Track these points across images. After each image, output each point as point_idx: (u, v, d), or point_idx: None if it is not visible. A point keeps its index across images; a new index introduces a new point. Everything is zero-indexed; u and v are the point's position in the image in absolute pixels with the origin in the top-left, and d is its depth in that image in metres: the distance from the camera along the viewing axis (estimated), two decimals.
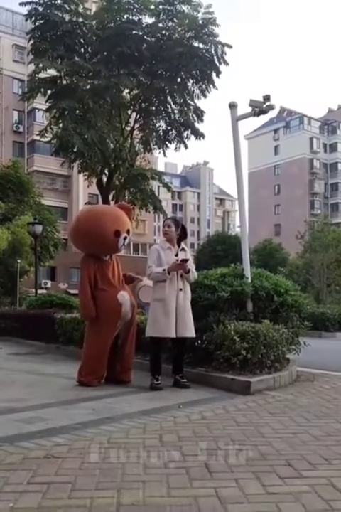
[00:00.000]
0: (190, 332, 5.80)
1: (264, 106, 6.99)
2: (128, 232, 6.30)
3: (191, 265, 5.92)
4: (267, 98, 6.94)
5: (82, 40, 17.31)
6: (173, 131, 18.45)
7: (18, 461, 3.09)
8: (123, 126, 18.35)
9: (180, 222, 6.39)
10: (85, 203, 23.03)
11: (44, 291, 27.29)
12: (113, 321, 5.98)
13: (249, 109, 7.15)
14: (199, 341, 6.22)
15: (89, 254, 6.26)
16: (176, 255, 5.89)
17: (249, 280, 6.72)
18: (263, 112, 7.05)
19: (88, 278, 6.02)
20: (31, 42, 17.39)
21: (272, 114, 61.64)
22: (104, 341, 5.97)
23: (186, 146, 18.51)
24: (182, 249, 6.04)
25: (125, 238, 6.19)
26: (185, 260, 5.74)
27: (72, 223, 6.72)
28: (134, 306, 6.27)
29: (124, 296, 6.08)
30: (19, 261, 25.20)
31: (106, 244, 6.16)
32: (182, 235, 6.12)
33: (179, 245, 6.05)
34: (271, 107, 7.04)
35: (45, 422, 4.10)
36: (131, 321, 6.19)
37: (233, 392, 5.35)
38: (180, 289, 5.77)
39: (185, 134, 18.33)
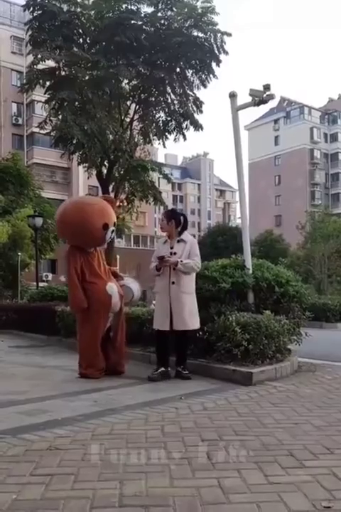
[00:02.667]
0: (184, 325, 5.76)
1: (264, 95, 6.95)
2: (114, 224, 6.39)
3: (185, 257, 5.80)
4: (267, 87, 6.91)
5: (80, 31, 17.21)
6: (173, 122, 18.37)
7: (21, 453, 3.10)
8: (123, 117, 18.28)
9: (176, 213, 6.32)
10: (85, 195, 22.97)
11: (45, 283, 27.30)
12: (104, 312, 6.05)
13: (249, 99, 7.11)
14: (200, 332, 6.22)
15: (74, 246, 6.28)
16: (172, 248, 5.87)
17: (250, 271, 6.72)
18: (263, 101, 7.01)
19: (75, 270, 6.05)
20: (29, 33, 17.29)
21: (272, 104, 61.48)
22: (96, 333, 6.03)
23: (185, 138, 18.46)
24: (179, 241, 5.94)
25: (112, 231, 6.29)
26: (161, 257, 5.74)
27: (58, 214, 6.57)
28: (122, 297, 6.31)
29: (113, 287, 6.16)
30: (20, 254, 25.20)
31: (95, 237, 6.20)
32: (184, 225, 6.05)
33: (181, 236, 6.00)
34: (271, 97, 7.00)
35: (48, 414, 4.11)
36: (119, 311, 6.28)
37: (235, 383, 5.36)
38: (173, 282, 5.75)
39: (184, 125, 18.27)
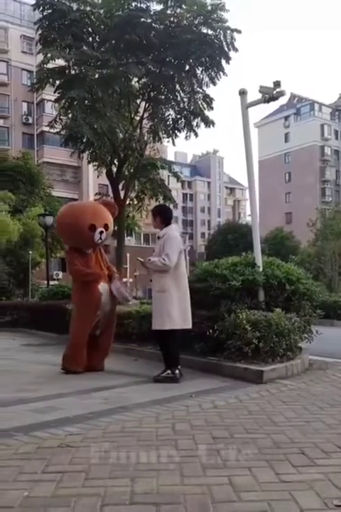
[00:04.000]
0: (152, 325, 5.77)
1: (274, 92, 6.91)
2: (106, 226, 6.51)
3: (159, 253, 5.68)
4: (277, 84, 6.87)
5: (90, 29, 17.23)
6: (182, 119, 18.34)
7: (33, 451, 3.12)
8: (133, 115, 18.29)
9: (160, 208, 6.38)
10: (95, 194, 23.02)
11: (55, 282, 27.43)
12: (93, 310, 6.28)
13: (259, 96, 7.08)
14: (210, 331, 6.21)
15: (72, 247, 6.62)
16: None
17: (261, 269, 6.69)
18: (273, 98, 6.97)
19: (77, 265, 6.35)
20: (39, 32, 17.36)
21: (282, 100, 61.00)
22: (84, 330, 6.27)
23: (196, 134, 18.41)
24: (159, 237, 5.85)
25: (101, 232, 6.40)
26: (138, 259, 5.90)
27: (56, 217, 7.10)
28: (114, 299, 6.46)
29: (104, 286, 6.34)
30: (30, 252, 25.35)
31: (83, 238, 6.44)
32: (165, 220, 5.91)
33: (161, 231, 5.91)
34: (282, 94, 6.96)
35: (59, 412, 4.14)
36: (110, 312, 6.46)
37: (245, 381, 5.34)
38: (150, 280, 5.82)
39: (194, 122, 18.23)
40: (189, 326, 5.71)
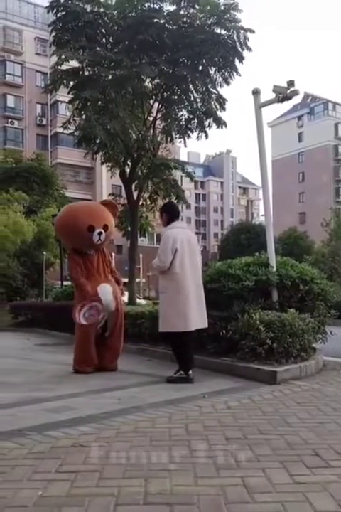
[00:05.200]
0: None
1: (288, 92, 6.89)
2: (105, 227, 6.51)
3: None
4: (291, 84, 6.84)
5: (103, 30, 17.26)
6: (195, 120, 18.31)
7: (47, 450, 3.14)
8: (146, 116, 18.29)
9: (166, 206, 6.36)
10: (109, 195, 23.10)
11: (69, 282, 27.57)
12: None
13: (273, 96, 7.05)
14: (224, 331, 6.20)
15: (74, 249, 6.67)
16: None
17: (274, 269, 6.67)
18: (287, 98, 6.95)
19: (76, 270, 6.41)
20: (53, 34, 17.42)
21: (296, 100, 60.68)
22: (86, 331, 6.29)
23: (207, 136, 18.37)
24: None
25: (100, 233, 6.41)
26: None
27: (55, 220, 7.23)
28: (118, 299, 6.48)
29: (105, 287, 6.37)
30: (44, 253, 25.52)
31: (81, 239, 6.49)
32: (169, 217, 5.82)
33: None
34: (295, 93, 6.93)
35: (73, 412, 4.16)
36: (115, 312, 6.46)
37: (258, 381, 5.32)
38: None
39: (207, 123, 18.18)
40: (190, 328, 5.51)
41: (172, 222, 5.75)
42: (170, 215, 5.84)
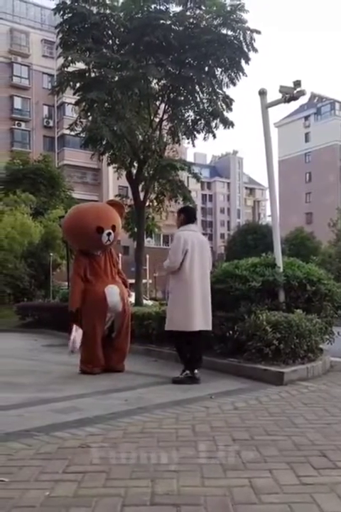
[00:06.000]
0: None
1: (295, 92, 6.88)
2: (113, 228, 6.52)
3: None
4: (297, 84, 6.82)
5: (109, 32, 17.30)
6: (202, 120, 18.30)
7: (54, 451, 3.15)
8: (152, 117, 18.30)
9: (182, 208, 6.34)
10: (115, 196, 23.14)
11: None
12: (100, 312, 6.31)
13: (279, 96, 7.04)
14: (230, 332, 6.19)
15: (80, 250, 6.67)
16: None
17: (281, 269, 6.66)
18: (293, 98, 6.94)
19: (77, 274, 6.41)
20: (60, 36, 17.48)
21: (302, 100, 60.48)
22: (93, 331, 6.31)
23: (214, 136, 18.35)
24: None
25: (109, 234, 6.43)
26: None
27: (63, 222, 7.22)
28: (125, 299, 6.49)
29: (112, 288, 6.38)
30: (51, 254, 25.58)
31: (90, 240, 6.48)
32: (184, 219, 5.86)
33: None
34: (302, 93, 6.92)
35: (80, 412, 4.17)
36: (122, 313, 6.45)
37: (265, 382, 5.31)
38: None
39: (213, 123, 18.17)
40: (193, 328, 5.54)
41: (187, 224, 5.81)
42: (188, 217, 5.90)
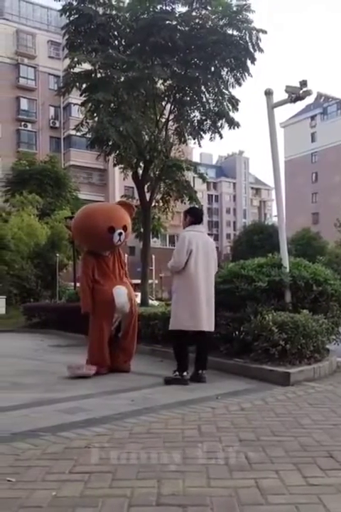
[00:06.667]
0: None
1: (301, 92, 6.86)
2: (124, 228, 6.51)
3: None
4: (304, 84, 6.80)
5: (115, 33, 17.33)
6: (208, 121, 18.29)
7: (60, 451, 3.15)
8: (158, 117, 18.31)
9: (188, 209, 6.23)
10: (121, 196, 23.17)
11: None
12: (108, 313, 6.32)
13: (285, 96, 7.03)
14: (236, 332, 6.18)
15: (89, 251, 6.65)
16: None
17: (287, 270, 6.64)
18: (299, 98, 6.92)
19: (86, 275, 6.40)
20: (66, 37, 17.54)
21: (308, 100, 60.37)
22: (101, 332, 6.32)
23: (221, 136, 18.34)
24: None
25: (120, 234, 6.42)
26: None
27: (72, 221, 7.15)
28: (133, 300, 6.50)
29: (120, 289, 6.37)
30: (58, 255, 25.66)
31: (101, 241, 6.46)
32: (191, 219, 5.85)
33: None
34: (308, 93, 6.89)
35: (86, 413, 4.17)
36: (129, 314, 6.46)
37: (271, 383, 5.30)
38: None
39: (219, 124, 18.16)
40: (201, 328, 5.53)
41: (193, 225, 5.80)
42: (194, 218, 5.87)
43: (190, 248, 5.54)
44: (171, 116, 18.53)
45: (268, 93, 7.19)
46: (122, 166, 19.00)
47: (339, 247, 38.85)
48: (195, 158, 55.66)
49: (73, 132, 27.36)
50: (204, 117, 18.25)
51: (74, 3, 16.87)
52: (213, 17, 16.71)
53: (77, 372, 6.15)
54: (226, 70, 17.34)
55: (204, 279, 5.61)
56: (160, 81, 17.74)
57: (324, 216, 67.73)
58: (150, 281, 27.99)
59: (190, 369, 5.62)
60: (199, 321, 5.52)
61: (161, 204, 20.03)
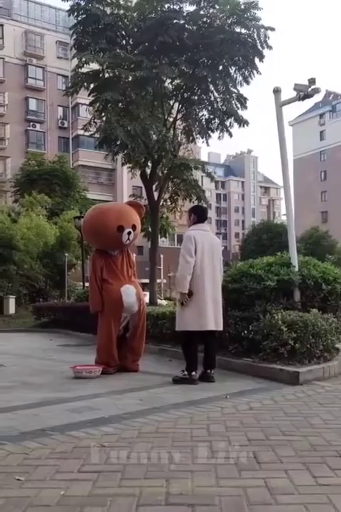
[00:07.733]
0: None
1: (309, 90, 6.81)
2: (134, 227, 6.53)
3: None
4: (312, 81, 6.76)
5: (123, 32, 17.37)
6: (216, 119, 18.27)
7: (69, 450, 3.16)
8: (166, 116, 18.32)
9: (193, 207, 6.15)
10: (130, 196, 23.21)
11: None
12: (116, 312, 6.33)
13: (294, 94, 6.99)
14: (245, 331, 6.16)
15: (98, 250, 6.70)
16: None
17: (296, 269, 6.61)
18: (308, 96, 6.87)
19: (95, 274, 6.42)
20: (74, 37, 17.61)
21: (317, 98, 60.13)
22: (109, 331, 6.33)
23: (230, 134, 18.31)
24: None
25: (129, 233, 6.44)
26: None
27: (82, 221, 7.20)
28: (141, 300, 6.50)
29: (128, 288, 6.38)
30: (67, 254, 25.74)
31: (110, 240, 6.49)
32: (196, 218, 5.78)
33: None
34: (317, 91, 6.85)
35: (95, 412, 4.18)
36: (138, 313, 6.46)
37: (281, 382, 5.28)
38: None
39: (228, 122, 18.13)
40: (208, 327, 5.48)
41: (197, 223, 5.74)
42: (199, 217, 5.80)
43: (196, 248, 5.48)
44: (179, 116, 18.53)
45: (277, 91, 7.16)
46: (130, 165, 19.03)
47: None
48: (203, 157, 55.67)
49: (81, 132, 27.40)
50: (212, 116, 18.24)
51: (82, 3, 16.94)
52: (221, 15, 16.69)
53: (82, 374, 6.14)
54: (234, 68, 17.32)
55: (211, 278, 5.55)
56: (168, 80, 17.75)
57: (333, 215, 67.45)
58: (158, 280, 28.02)
59: (198, 368, 5.61)
60: (205, 321, 5.47)
61: (169, 203, 20.04)
